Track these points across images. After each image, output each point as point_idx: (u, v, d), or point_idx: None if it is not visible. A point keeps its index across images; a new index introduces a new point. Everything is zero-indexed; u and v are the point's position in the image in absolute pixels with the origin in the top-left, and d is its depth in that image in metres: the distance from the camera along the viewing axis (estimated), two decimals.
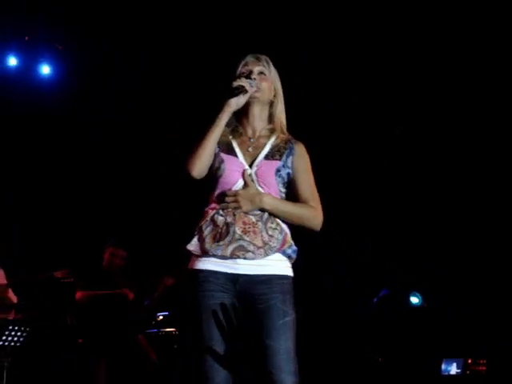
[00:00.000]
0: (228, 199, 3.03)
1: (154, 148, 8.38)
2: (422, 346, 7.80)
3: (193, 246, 3.07)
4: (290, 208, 3.10)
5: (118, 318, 6.29)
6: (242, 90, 3.06)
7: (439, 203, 8.16)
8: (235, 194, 3.03)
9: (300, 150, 3.20)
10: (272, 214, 3.06)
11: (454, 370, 7.49)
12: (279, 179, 3.11)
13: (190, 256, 3.10)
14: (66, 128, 8.27)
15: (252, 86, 3.10)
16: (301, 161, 3.17)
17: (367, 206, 7.97)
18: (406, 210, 8.30)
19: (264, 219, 3.04)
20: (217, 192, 3.09)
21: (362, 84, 7.35)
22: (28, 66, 7.99)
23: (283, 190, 3.14)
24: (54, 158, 8.39)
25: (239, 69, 3.19)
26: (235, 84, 3.07)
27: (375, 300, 8.38)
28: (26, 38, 7.80)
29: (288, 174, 3.13)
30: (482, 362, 7.36)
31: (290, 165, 3.13)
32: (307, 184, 3.16)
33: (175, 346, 7.20)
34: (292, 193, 3.16)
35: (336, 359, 7.29)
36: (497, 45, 6.60)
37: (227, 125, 3.12)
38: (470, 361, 7.40)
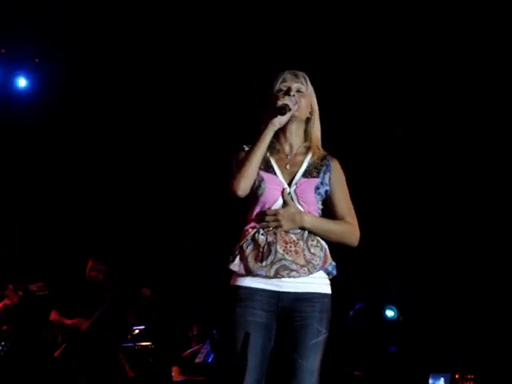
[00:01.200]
0: (268, 218, 3.04)
1: (135, 156, 8.39)
2: (407, 361, 7.82)
3: (236, 265, 3.08)
4: (330, 226, 3.13)
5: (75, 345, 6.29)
6: (287, 109, 3.08)
7: (416, 215, 8.19)
8: (276, 213, 3.03)
9: (336, 166, 3.21)
10: (312, 232, 3.07)
11: None
12: (318, 197, 3.13)
13: (232, 273, 3.11)
14: (41, 140, 8.25)
15: (295, 105, 3.11)
16: (337, 177, 3.19)
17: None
18: (382, 223, 8.32)
19: (305, 238, 3.06)
20: (256, 211, 3.10)
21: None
22: (5, 79, 7.97)
23: (321, 207, 3.17)
24: (28, 171, 8.37)
25: (277, 85, 3.20)
26: (280, 103, 3.08)
27: (351, 313, 8.40)
28: (3, 50, 7.78)
29: (326, 191, 3.15)
30: (469, 377, 7.38)
31: (327, 181, 3.16)
32: (344, 200, 3.19)
33: (151, 360, 7.18)
34: (329, 209, 3.18)
35: None
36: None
37: None
38: (457, 376, 7.41)
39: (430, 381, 7.53)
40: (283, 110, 3.07)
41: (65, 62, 7.65)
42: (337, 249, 3.19)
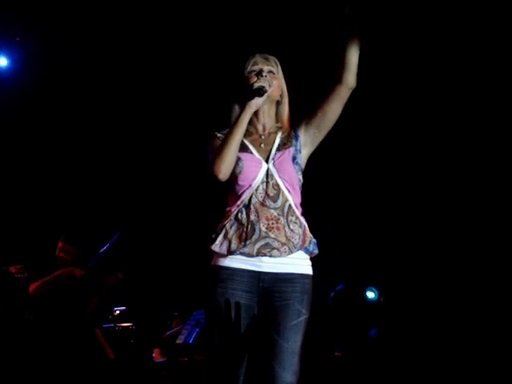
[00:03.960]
0: None
1: (115, 141, 8.37)
2: (388, 342, 7.87)
3: (217, 246, 3.10)
4: None
5: (72, 300, 6.31)
6: (264, 91, 3.10)
7: (397, 197, 8.22)
8: None
9: (298, 124, 3.27)
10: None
11: None
12: (297, 167, 3.17)
13: (213, 254, 3.13)
14: (22, 121, 8.19)
15: (270, 86, 3.13)
16: (300, 124, 3.26)
17: (324, 201, 8.00)
18: (363, 204, 8.35)
19: (285, 212, 3.09)
20: (236, 190, 3.12)
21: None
22: None
23: (301, 179, 3.20)
24: (8, 154, 8.32)
25: (249, 67, 3.23)
26: (256, 85, 3.10)
27: (332, 294, 8.43)
28: None
29: (301, 158, 3.21)
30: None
31: (299, 147, 3.21)
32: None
33: (132, 341, 7.20)
34: (323, 107, 3.20)
35: None
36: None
37: None
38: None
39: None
40: (261, 91, 3.08)
41: (47, 42, 7.59)
42: (317, 229, 3.20)
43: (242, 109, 3.11)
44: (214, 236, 3.12)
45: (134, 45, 7.37)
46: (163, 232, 8.87)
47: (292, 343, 3.03)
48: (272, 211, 3.07)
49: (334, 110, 3.19)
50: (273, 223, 3.06)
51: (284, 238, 3.06)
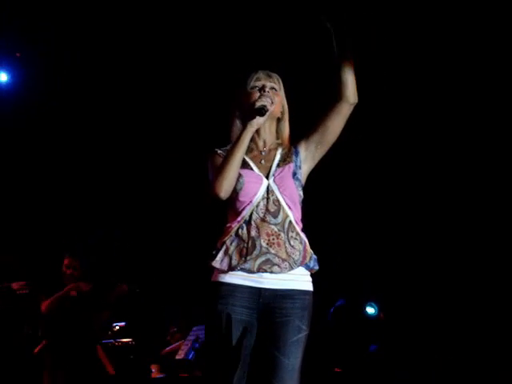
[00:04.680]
0: None
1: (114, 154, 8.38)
2: (388, 358, 7.87)
3: (218, 262, 3.09)
4: None
5: (82, 315, 6.34)
6: (265, 110, 3.09)
7: (396, 214, 8.22)
8: None
9: (299, 141, 3.26)
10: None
11: None
12: (297, 182, 3.16)
13: (214, 270, 3.12)
14: (22, 136, 8.21)
15: (272, 104, 3.13)
16: (301, 141, 3.25)
17: (323, 215, 8.00)
18: (362, 220, 8.35)
19: (285, 228, 3.08)
20: (237, 206, 3.11)
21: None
22: None
23: (301, 195, 3.20)
24: (8, 168, 8.33)
25: (251, 83, 3.23)
26: (258, 105, 3.09)
27: (331, 310, 8.42)
28: None
29: (301, 174, 3.20)
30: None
31: (299, 163, 3.20)
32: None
33: (131, 357, 7.19)
34: (323, 125, 3.19)
35: None
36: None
37: None
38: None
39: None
40: (262, 110, 3.09)
41: (47, 56, 7.60)
42: (316, 245, 3.20)
43: (244, 127, 3.11)
44: (214, 252, 3.12)
45: (135, 56, 7.38)
46: (163, 247, 8.88)
47: (292, 359, 3.02)
48: (272, 227, 3.07)
49: (335, 126, 3.18)
50: (273, 239, 3.05)
51: (285, 254, 3.05)
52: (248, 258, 3.03)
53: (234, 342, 3.00)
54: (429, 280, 8.01)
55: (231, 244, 3.08)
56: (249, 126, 3.09)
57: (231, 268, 3.05)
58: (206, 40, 6.99)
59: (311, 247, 3.17)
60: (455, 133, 7.43)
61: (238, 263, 3.04)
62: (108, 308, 6.57)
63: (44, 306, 6.31)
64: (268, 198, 3.10)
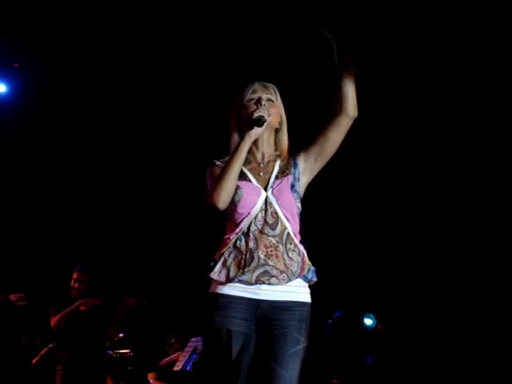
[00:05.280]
0: None
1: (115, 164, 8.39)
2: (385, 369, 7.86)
3: (216, 274, 3.08)
4: None
5: (92, 330, 6.37)
6: (263, 121, 3.10)
7: (393, 226, 8.22)
8: None
9: (298, 153, 3.25)
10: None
11: None
12: (295, 194, 3.16)
13: (212, 281, 3.12)
14: (21, 146, 8.21)
15: (269, 116, 3.14)
16: (300, 153, 3.25)
17: (320, 227, 8.00)
18: (360, 232, 8.35)
19: (284, 240, 3.08)
20: (235, 218, 3.11)
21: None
22: None
23: (299, 207, 3.19)
24: (7, 179, 8.33)
25: (248, 95, 3.22)
26: (256, 115, 3.10)
27: (329, 321, 8.42)
28: None
29: (299, 186, 3.20)
30: None
31: (297, 175, 3.20)
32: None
33: (129, 368, 7.18)
34: (323, 139, 3.19)
35: None
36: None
37: None
38: None
39: None
40: (260, 121, 3.09)
41: (45, 67, 7.61)
42: (314, 256, 3.20)
43: (242, 138, 3.12)
44: (212, 264, 3.11)
45: (134, 65, 7.39)
46: (162, 258, 8.88)
47: (290, 371, 3.01)
48: (271, 239, 3.07)
49: (334, 138, 3.18)
50: (271, 251, 3.05)
51: (283, 266, 3.05)
52: (246, 269, 3.03)
53: (232, 353, 2.99)
54: (427, 291, 8.01)
55: (229, 256, 3.08)
56: (247, 137, 3.10)
57: (229, 280, 3.05)
58: (206, 44, 7.00)
59: (309, 259, 3.17)
60: (449, 139, 7.43)
61: (236, 275, 3.04)
62: (115, 321, 6.62)
63: (53, 321, 6.37)
64: (266, 210, 3.10)
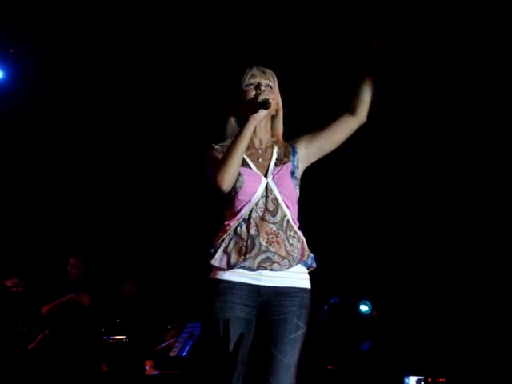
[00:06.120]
0: None
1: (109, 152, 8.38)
2: (380, 356, 7.87)
3: (217, 260, 3.09)
4: None
5: (77, 324, 6.40)
6: (269, 104, 3.09)
7: (390, 212, 8.23)
8: None
9: (297, 143, 3.27)
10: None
11: None
12: (295, 181, 3.18)
13: (212, 267, 3.12)
14: (16, 133, 8.19)
15: (273, 100, 3.14)
16: (301, 140, 3.27)
17: (317, 214, 8.00)
18: (356, 218, 8.36)
19: (284, 227, 3.10)
20: (236, 204, 3.11)
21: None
22: None
23: (298, 193, 3.20)
24: (4, 166, 8.32)
25: (246, 80, 3.22)
26: (261, 98, 3.09)
27: (325, 307, 8.44)
28: None
29: (298, 173, 3.22)
30: (441, 380, 7.43)
31: (296, 163, 3.21)
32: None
33: (125, 354, 7.19)
34: (325, 135, 3.23)
35: None
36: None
37: None
38: (430, 379, 7.46)
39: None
40: (266, 104, 3.08)
41: (43, 53, 7.58)
42: (311, 243, 3.21)
43: (243, 122, 3.11)
44: (212, 251, 3.12)
45: (132, 54, 7.37)
46: (160, 245, 8.89)
47: (289, 357, 3.03)
48: (271, 226, 3.08)
49: (339, 137, 3.23)
50: (272, 237, 3.06)
51: (284, 252, 3.06)
52: (247, 256, 3.04)
53: (232, 339, 3.01)
54: (423, 278, 8.03)
55: (229, 242, 3.09)
56: (251, 120, 3.08)
57: (230, 266, 3.06)
58: (206, 44, 6.99)
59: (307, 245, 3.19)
60: (448, 135, 7.44)
61: (238, 261, 3.04)
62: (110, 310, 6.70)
63: (44, 310, 6.46)
64: (267, 197, 3.11)
